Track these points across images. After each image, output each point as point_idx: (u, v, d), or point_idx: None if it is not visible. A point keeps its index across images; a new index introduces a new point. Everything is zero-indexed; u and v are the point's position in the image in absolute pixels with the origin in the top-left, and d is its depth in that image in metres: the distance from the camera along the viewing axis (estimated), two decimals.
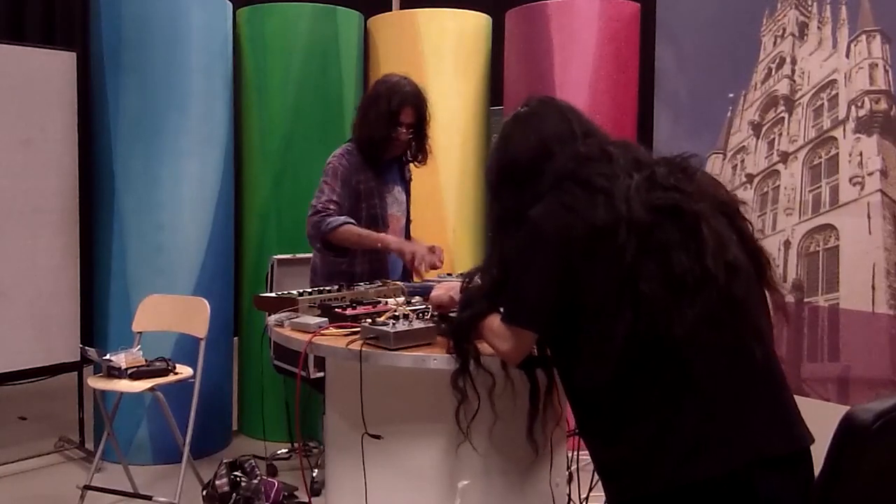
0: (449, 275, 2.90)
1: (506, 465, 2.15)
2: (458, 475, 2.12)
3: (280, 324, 2.36)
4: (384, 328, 2.04)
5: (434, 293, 2.17)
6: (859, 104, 3.61)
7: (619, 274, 1.60)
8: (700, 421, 1.57)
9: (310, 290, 2.67)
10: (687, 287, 1.58)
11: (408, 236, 3.33)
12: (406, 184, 3.32)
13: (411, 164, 3.30)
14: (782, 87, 3.89)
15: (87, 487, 3.45)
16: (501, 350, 1.80)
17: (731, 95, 4.08)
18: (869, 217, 3.57)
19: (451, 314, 2.05)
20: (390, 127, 3.06)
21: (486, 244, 1.90)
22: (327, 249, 3.07)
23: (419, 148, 3.19)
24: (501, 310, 1.81)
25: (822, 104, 3.74)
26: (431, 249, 3.00)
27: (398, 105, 3.04)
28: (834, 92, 3.70)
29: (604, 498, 1.74)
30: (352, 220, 3.02)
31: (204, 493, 3.42)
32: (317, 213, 3.03)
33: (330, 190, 3.05)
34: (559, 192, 1.71)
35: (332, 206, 3.02)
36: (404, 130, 3.08)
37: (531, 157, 1.80)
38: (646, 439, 1.59)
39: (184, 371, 3.47)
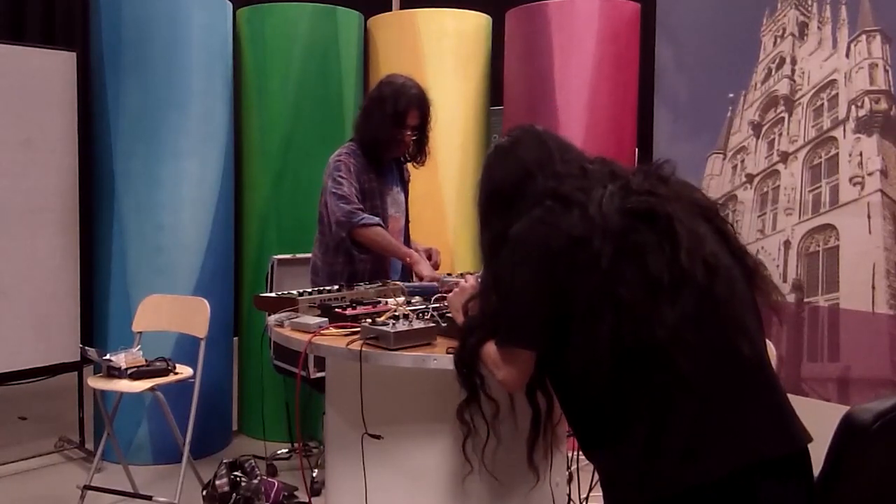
0: (449, 275, 2.90)
1: (507, 465, 2.15)
2: (459, 475, 2.12)
3: (280, 324, 2.36)
4: (384, 328, 2.05)
5: (450, 297, 2.14)
6: (859, 104, 3.61)
7: (598, 281, 1.61)
8: (695, 423, 1.55)
9: (310, 290, 2.67)
10: (665, 288, 1.58)
11: (407, 237, 3.32)
12: (405, 184, 3.32)
13: (410, 165, 3.31)
14: (782, 87, 3.89)
15: (87, 487, 3.45)
16: (502, 377, 1.76)
17: (731, 95, 4.08)
18: (869, 217, 3.57)
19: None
20: (395, 129, 3.06)
21: (481, 270, 1.90)
22: (351, 242, 3.07)
23: (419, 149, 3.20)
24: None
25: (822, 104, 3.74)
26: (429, 254, 3.06)
27: (405, 107, 3.04)
28: (834, 92, 3.70)
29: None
30: (383, 224, 3.04)
31: (204, 493, 3.42)
32: (349, 202, 3.02)
33: (349, 184, 3.06)
34: (537, 208, 1.74)
35: (356, 199, 3.04)
36: (409, 132, 3.09)
37: (513, 181, 1.84)
38: (641, 445, 1.58)
39: (184, 371, 3.47)
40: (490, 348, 1.78)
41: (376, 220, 3.03)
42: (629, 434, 1.59)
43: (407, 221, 3.33)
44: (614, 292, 1.59)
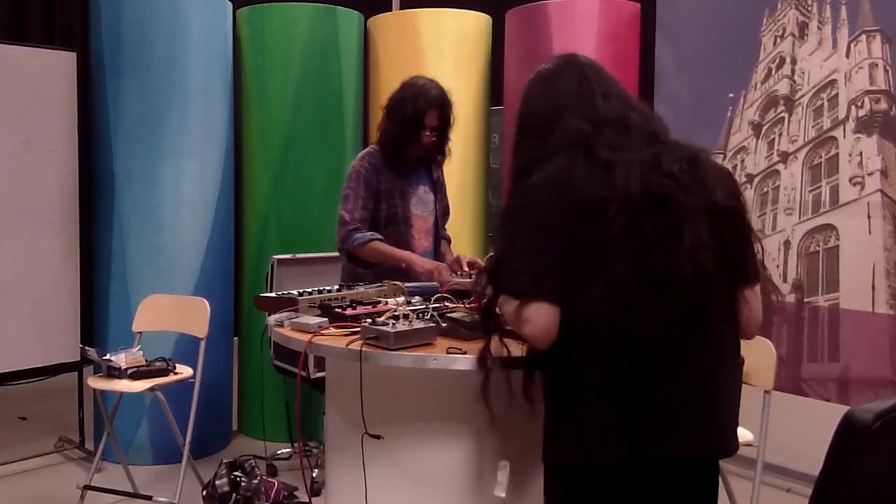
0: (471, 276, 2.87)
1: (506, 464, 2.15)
2: (459, 475, 2.12)
3: (280, 324, 2.36)
4: (384, 328, 2.04)
5: (472, 284, 2.12)
6: (859, 104, 3.61)
7: (600, 249, 1.64)
8: (641, 407, 1.66)
9: (310, 290, 2.67)
10: (652, 282, 1.64)
11: (437, 235, 3.32)
12: (434, 184, 3.33)
13: (440, 164, 3.33)
14: (782, 87, 3.89)
15: (87, 487, 3.45)
16: (528, 333, 1.71)
17: (731, 95, 4.08)
18: (869, 217, 3.57)
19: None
20: (414, 130, 3.09)
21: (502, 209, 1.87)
22: (352, 261, 3.10)
23: (439, 149, 3.22)
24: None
25: (822, 104, 3.74)
26: (472, 263, 3.02)
27: (423, 108, 3.06)
28: (834, 92, 3.70)
29: None
30: (378, 237, 3.04)
31: (204, 493, 3.42)
32: (344, 224, 3.07)
33: (355, 196, 3.09)
34: (562, 159, 1.72)
35: (357, 215, 3.06)
36: (428, 133, 3.11)
37: (544, 112, 1.81)
38: (590, 412, 1.68)
39: (184, 371, 3.46)
40: (510, 306, 1.74)
41: (368, 236, 3.03)
42: (583, 398, 1.68)
43: (436, 220, 3.32)
44: (612, 267, 1.63)
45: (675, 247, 1.64)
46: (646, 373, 1.66)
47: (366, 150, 3.24)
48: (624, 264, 1.63)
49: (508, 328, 1.83)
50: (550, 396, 1.76)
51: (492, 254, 1.89)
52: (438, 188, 3.34)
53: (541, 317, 1.68)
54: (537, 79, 1.91)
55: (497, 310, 1.81)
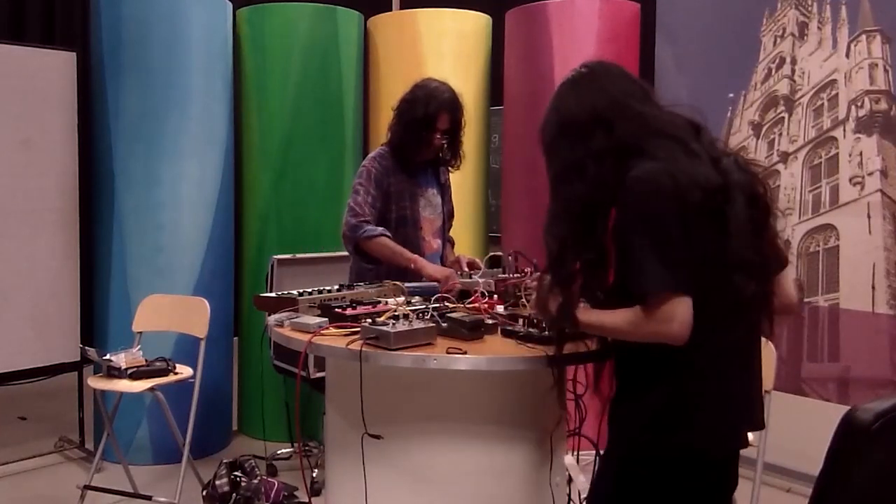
0: (460, 274, 2.87)
1: (506, 465, 2.15)
2: (459, 474, 2.12)
3: (280, 324, 2.36)
4: (384, 328, 2.04)
5: (533, 301, 2.02)
6: (859, 104, 3.61)
7: (719, 236, 1.68)
8: (748, 399, 1.77)
9: (310, 290, 2.67)
10: (755, 270, 1.71)
11: (444, 238, 3.31)
12: (441, 186, 3.32)
13: (448, 167, 3.31)
14: (782, 87, 3.89)
15: (87, 487, 3.45)
16: (672, 332, 1.63)
17: (731, 95, 4.08)
18: (869, 217, 3.57)
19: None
20: (425, 132, 3.07)
21: (550, 202, 1.82)
22: (358, 254, 3.08)
23: (453, 153, 3.21)
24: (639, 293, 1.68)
25: (822, 104, 3.74)
26: (472, 263, 3.01)
27: (435, 111, 3.05)
28: (834, 92, 3.70)
29: None
30: (388, 234, 3.03)
31: (204, 493, 3.43)
32: (356, 215, 3.04)
33: (365, 192, 3.07)
34: (660, 151, 1.70)
35: (367, 209, 3.04)
36: (439, 136, 3.10)
37: (596, 110, 1.77)
38: (706, 404, 1.71)
39: (184, 371, 3.47)
40: (628, 316, 1.68)
41: (378, 230, 3.02)
42: (702, 389, 1.71)
43: (444, 222, 3.31)
44: (731, 256, 1.67)
45: (760, 242, 1.73)
46: (750, 362, 1.77)
47: (377, 150, 3.21)
48: (742, 254, 1.69)
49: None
50: (648, 387, 1.74)
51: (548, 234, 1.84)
52: (445, 191, 3.34)
53: (685, 312, 1.62)
54: (575, 81, 1.85)
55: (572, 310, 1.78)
